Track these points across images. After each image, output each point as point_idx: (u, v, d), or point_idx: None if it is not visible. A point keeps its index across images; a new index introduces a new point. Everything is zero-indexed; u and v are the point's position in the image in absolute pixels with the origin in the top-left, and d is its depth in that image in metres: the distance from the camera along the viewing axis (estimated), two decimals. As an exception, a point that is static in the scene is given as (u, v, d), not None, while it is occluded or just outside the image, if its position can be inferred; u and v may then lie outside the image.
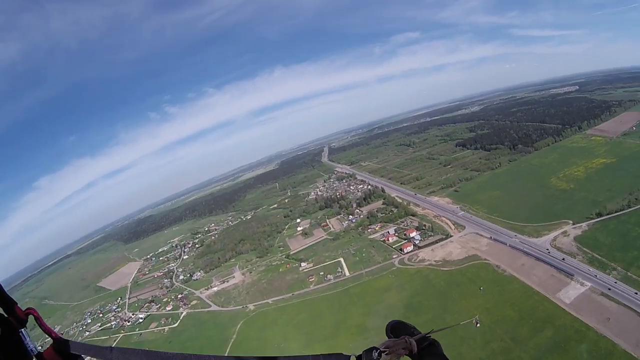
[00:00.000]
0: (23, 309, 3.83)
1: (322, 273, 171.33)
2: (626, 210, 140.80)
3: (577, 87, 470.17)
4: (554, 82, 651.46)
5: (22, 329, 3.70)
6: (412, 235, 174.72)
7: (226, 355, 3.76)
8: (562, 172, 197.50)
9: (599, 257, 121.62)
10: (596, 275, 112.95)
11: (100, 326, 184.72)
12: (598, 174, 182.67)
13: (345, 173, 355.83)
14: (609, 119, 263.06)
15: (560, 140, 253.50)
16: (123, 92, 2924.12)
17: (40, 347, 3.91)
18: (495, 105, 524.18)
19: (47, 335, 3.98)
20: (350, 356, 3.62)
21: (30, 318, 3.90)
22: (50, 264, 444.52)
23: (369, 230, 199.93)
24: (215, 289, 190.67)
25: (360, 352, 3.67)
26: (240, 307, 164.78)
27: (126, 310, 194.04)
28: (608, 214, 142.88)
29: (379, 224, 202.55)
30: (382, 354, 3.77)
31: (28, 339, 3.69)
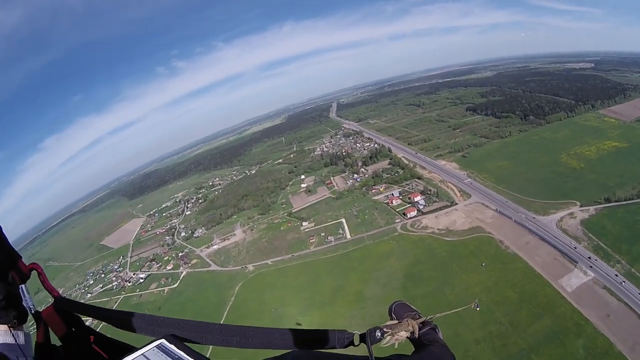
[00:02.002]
0: (27, 264, 3.63)
1: (323, 234, 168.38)
2: (635, 200, 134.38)
3: (593, 65, 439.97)
4: (568, 56, 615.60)
5: (23, 285, 3.53)
6: (416, 199, 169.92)
7: (225, 323, 3.60)
8: (573, 150, 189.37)
9: (604, 247, 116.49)
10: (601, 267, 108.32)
11: (102, 287, 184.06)
12: (610, 157, 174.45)
13: (353, 130, 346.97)
14: (624, 101, 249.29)
15: (573, 116, 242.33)
16: (130, 49, 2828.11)
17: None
18: (508, 73, 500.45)
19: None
20: (354, 334, 3.62)
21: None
22: (55, 223, 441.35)
23: (373, 190, 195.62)
24: (215, 247, 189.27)
25: (364, 331, 3.65)
26: (240, 267, 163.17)
27: (127, 270, 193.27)
28: (617, 201, 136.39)
29: (384, 185, 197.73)
30: (385, 334, 3.77)
31: (27, 295, 3.54)
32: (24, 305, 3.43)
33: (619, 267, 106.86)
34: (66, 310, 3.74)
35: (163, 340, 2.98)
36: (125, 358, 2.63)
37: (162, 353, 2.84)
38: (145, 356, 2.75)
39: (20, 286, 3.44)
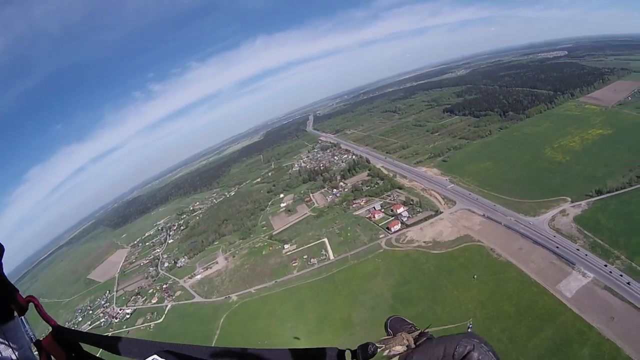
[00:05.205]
0: (24, 297, 3.95)
1: (305, 256, 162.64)
2: (627, 189, 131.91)
3: (566, 52, 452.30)
4: (541, 46, 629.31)
5: (22, 317, 3.82)
6: (399, 211, 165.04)
7: (216, 345, 3.66)
8: (556, 142, 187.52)
9: (601, 243, 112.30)
10: (605, 265, 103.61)
11: (90, 324, 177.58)
12: (595, 146, 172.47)
13: (330, 142, 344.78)
14: (602, 87, 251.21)
15: (553, 107, 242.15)
16: (106, 74, 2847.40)
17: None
18: (482, 69, 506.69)
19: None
20: (345, 350, 3.71)
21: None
22: (44, 257, 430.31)
23: (354, 205, 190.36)
24: (198, 276, 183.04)
25: (356, 348, 3.72)
26: (224, 297, 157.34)
27: (114, 305, 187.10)
28: (608, 192, 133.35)
29: (364, 199, 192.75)
30: (378, 349, 3.81)
31: (27, 326, 3.84)
32: (26, 335, 3.75)
33: (618, 263, 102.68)
34: (64, 338, 3.90)
35: (155, 356, 3.12)
36: None
37: None
38: None
39: (20, 318, 3.74)
